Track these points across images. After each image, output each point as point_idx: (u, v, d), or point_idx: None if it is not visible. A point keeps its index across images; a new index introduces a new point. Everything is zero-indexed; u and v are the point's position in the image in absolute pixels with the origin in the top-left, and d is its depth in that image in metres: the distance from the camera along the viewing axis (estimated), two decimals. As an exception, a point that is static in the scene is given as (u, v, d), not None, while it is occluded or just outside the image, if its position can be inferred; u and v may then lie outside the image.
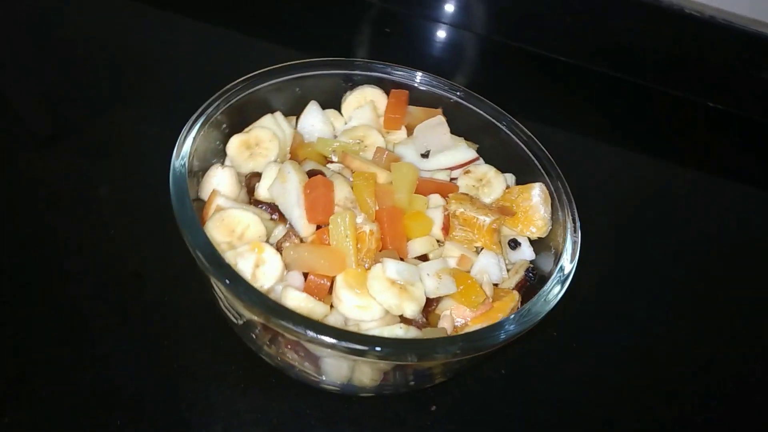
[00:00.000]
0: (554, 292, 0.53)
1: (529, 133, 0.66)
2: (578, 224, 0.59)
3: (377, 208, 0.57)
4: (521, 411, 0.66)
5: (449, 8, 1.16)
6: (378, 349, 0.44)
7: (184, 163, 0.53)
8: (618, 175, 1.00)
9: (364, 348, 0.44)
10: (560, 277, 0.54)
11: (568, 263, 0.56)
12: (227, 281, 0.46)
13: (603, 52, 1.15)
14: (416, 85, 0.70)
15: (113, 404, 0.58)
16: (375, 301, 0.51)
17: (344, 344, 0.44)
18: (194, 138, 0.55)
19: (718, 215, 0.97)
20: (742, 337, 0.79)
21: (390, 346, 0.45)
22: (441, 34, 1.18)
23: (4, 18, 0.96)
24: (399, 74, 0.70)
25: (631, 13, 1.09)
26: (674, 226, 0.92)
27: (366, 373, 0.54)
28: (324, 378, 0.54)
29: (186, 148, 0.54)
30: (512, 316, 0.50)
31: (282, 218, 0.58)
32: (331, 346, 0.44)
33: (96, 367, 0.61)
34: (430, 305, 0.54)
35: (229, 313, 0.53)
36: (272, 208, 0.59)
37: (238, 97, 0.62)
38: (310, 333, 0.44)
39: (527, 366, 0.70)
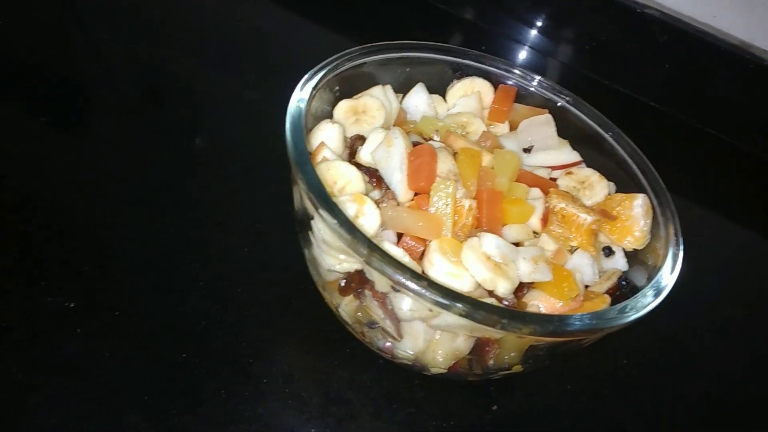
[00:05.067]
0: (646, 300, 0.50)
1: (635, 146, 0.65)
2: (681, 239, 0.57)
3: (477, 187, 0.56)
4: (579, 429, 0.63)
5: (536, 33, 1.16)
6: (475, 312, 0.43)
7: (305, 103, 0.54)
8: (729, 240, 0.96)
9: (460, 305, 0.43)
10: (656, 287, 0.52)
11: (667, 275, 0.53)
12: (335, 218, 0.45)
13: (694, 103, 1.12)
14: (526, 84, 0.70)
15: (179, 336, 0.59)
16: (468, 272, 0.50)
17: (438, 298, 0.43)
18: (316, 84, 0.56)
19: None
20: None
21: (484, 308, 0.44)
22: (523, 55, 1.18)
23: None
24: (509, 72, 0.70)
25: (735, 71, 1.06)
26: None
27: (441, 351, 0.53)
28: (400, 344, 0.52)
29: (308, 90, 0.55)
30: (607, 309, 0.48)
31: (378, 184, 0.58)
32: (423, 296, 0.43)
33: (169, 298, 0.61)
34: (519, 291, 0.53)
35: (320, 260, 0.52)
36: (370, 172, 0.59)
37: (353, 63, 0.63)
38: (410, 281, 0.43)
39: (593, 388, 0.67)
